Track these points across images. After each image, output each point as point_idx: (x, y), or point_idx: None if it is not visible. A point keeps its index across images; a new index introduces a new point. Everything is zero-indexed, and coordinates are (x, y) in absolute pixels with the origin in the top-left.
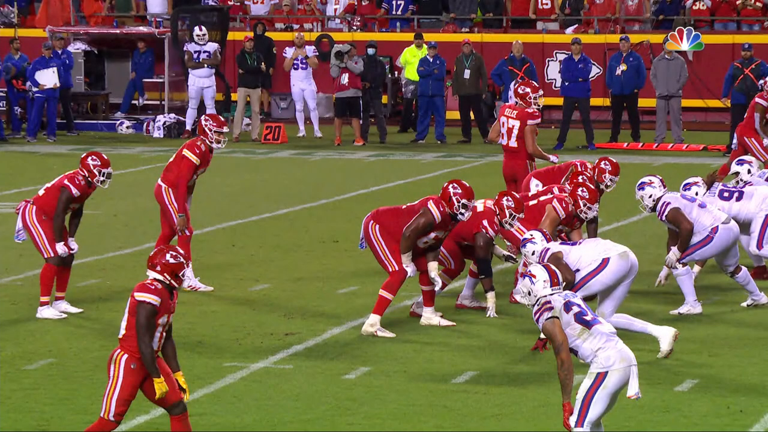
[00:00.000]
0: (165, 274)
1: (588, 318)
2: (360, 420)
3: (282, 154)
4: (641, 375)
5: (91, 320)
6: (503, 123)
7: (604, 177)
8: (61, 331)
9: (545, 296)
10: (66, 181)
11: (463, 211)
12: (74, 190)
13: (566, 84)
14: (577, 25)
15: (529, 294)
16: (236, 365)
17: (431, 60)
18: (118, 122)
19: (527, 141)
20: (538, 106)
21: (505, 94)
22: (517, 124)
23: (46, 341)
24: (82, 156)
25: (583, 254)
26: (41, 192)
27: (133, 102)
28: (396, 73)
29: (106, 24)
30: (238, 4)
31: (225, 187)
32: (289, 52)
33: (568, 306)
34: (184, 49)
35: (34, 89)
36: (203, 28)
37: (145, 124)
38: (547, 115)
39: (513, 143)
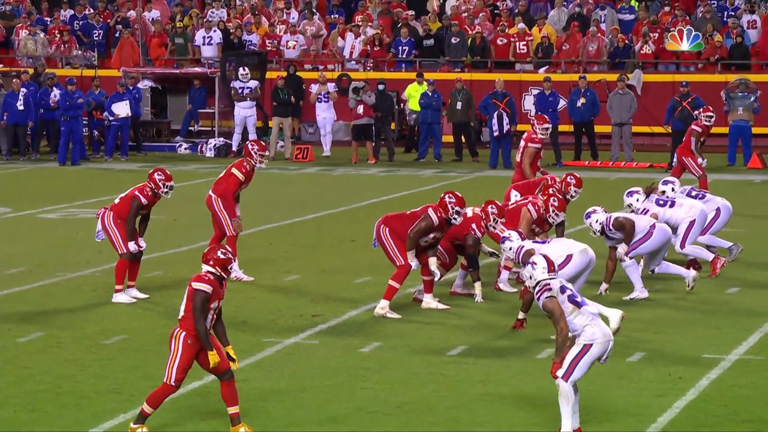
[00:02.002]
0: (216, 267)
1: (578, 300)
2: (372, 385)
3: (309, 170)
4: None
5: (155, 304)
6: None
7: (570, 189)
8: (132, 313)
9: (544, 280)
10: (136, 192)
11: (456, 216)
12: (143, 200)
13: (539, 113)
14: (547, 66)
15: (530, 278)
16: (273, 341)
17: (430, 94)
18: (178, 144)
19: (523, 158)
20: (544, 135)
21: (490, 122)
22: (522, 144)
23: (119, 321)
24: (150, 171)
25: (551, 251)
26: (116, 200)
27: (190, 128)
28: (401, 104)
29: (168, 65)
30: (274, 49)
31: (263, 197)
32: (314, 87)
33: (563, 288)
34: (231, 85)
35: (111, 118)
36: (246, 68)
37: (199, 146)
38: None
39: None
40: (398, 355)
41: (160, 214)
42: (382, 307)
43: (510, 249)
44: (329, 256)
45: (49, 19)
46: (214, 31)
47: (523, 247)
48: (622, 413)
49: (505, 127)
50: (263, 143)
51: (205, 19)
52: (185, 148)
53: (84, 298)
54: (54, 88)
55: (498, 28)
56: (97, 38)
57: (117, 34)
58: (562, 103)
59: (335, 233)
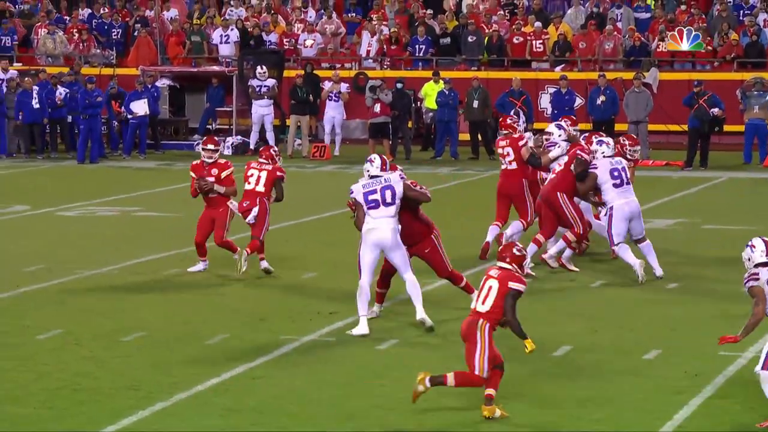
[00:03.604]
0: (513, 264)
1: None
2: (389, 383)
3: (326, 168)
4: (621, 350)
5: (173, 302)
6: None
7: (627, 149)
8: (150, 310)
9: (756, 266)
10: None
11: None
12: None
13: (555, 112)
14: (564, 65)
15: (749, 260)
16: (290, 338)
17: (447, 92)
18: (195, 143)
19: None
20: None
21: None
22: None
23: (137, 318)
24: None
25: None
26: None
27: (208, 126)
28: (418, 102)
29: (185, 64)
30: (292, 48)
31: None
32: (327, 85)
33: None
34: (249, 84)
35: (129, 116)
36: (264, 67)
37: None
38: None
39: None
40: (415, 353)
41: (179, 212)
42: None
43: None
44: (346, 254)
45: (67, 18)
46: (232, 29)
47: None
48: (639, 410)
49: (522, 126)
50: (215, 139)
51: (222, 18)
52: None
53: (102, 296)
54: (59, 87)
55: (514, 27)
56: (115, 37)
57: (135, 33)
58: (579, 101)
59: (352, 231)
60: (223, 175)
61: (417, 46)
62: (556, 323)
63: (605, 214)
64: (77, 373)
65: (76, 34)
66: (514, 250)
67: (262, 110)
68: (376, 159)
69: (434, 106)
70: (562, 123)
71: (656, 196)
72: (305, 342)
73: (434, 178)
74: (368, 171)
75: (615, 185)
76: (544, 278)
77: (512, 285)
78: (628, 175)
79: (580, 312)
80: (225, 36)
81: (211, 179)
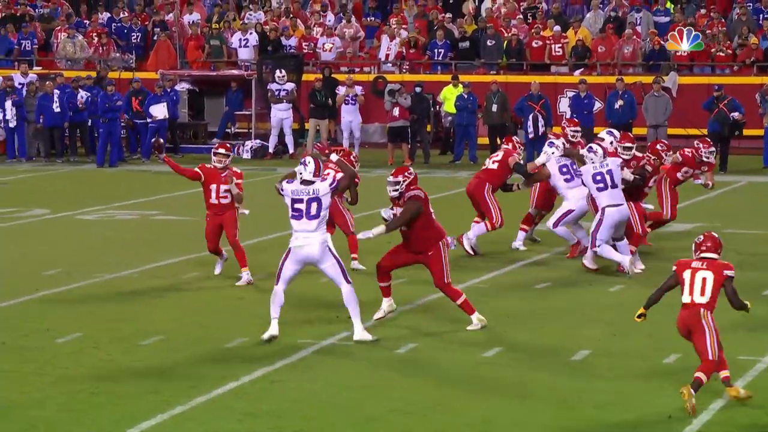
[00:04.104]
0: (717, 252)
1: None
2: (408, 386)
3: None
4: (640, 354)
5: (190, 307)
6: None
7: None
8: (168, 314)
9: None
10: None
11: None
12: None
13: (574, 115)
14: (583, 69)
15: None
16: (309, 341)
17: (466, 96)
18: (214, 146)
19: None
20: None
21: (525, 124)
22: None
23: (156, 322)
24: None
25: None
26: None
27: (227, 130)
28: (437, 106)
29: (204, 68)
30: (311, 51)
31: None
32: (341, 90)
33: None
34: (268, 88)
35: (149, 120)
36: (283, 71)
37: (236, 148)
38: None
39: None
40: (434, 356)
41: (198, 215)
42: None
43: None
44: (365, 259)
45: (87, 22)
46: (251, 33)
47: None
48: (658, 414)
49: (540, 130)
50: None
51: (241, 22)
52: None
53: (121, 300)
54: (80, 90)
55: (533, 31)
56: (135, 41)
57: (154, 37)
58: (598, 105)
59: None
60: (237, 180)
61: (436, 50)
62: (576, 327)
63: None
64: (96, 376)
65: (96, 38)
66: (714, 238)
67: (281, 114)
68: (311, 163)
69: (453, 110)
70: (613, 131)
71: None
72: (323, 346)
73: (453, 182)
74: (301, 174)
75: (599, 189)
76: (563, 281)
77: (727, 272)
78: (617, 178)
79: (600, 316)
80: (244, 40)
81: (233, 183)
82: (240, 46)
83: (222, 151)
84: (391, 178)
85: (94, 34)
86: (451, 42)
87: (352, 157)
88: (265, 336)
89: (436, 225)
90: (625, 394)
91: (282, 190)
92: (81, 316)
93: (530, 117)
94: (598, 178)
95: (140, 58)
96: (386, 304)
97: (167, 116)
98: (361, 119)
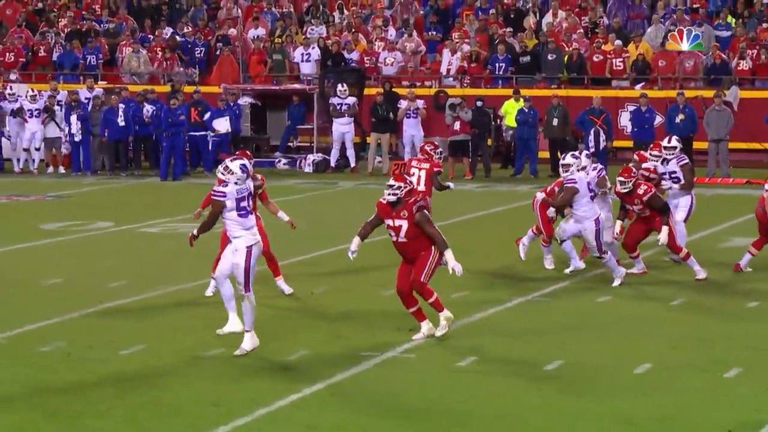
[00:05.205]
0: None
1: None
2: (469, 399)
3: None
4: (700, 368)
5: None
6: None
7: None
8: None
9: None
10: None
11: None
12: None
13: (635, 130)
14: (644, 83)
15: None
16: (370, 354)
17: (526, 110)
18: (277, 160)
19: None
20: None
21: (586, 139)
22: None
23: (219, 334)
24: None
25: None
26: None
27: (289, 144)
28: (498, 120)
29: (267, 82)
30: (373, 66)
31: (360, 212)
32: (403, 104)
33: None
34: (330, 102)
35: (211, 134)
36: (344, 85)
37: (298, 162)
38: (621, 155)
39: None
40: (495, 369)
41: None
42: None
43: None
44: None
45: (151, 37)
46: (313, 47)
47: None
48: (718, 429)
49: (602, 144)
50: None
51: (304, 36)
52: (284, 164)
53: (184, 312)
54: (146, 104)
55: (594, 45)
56: (198, 55)
57: (217, 52)
58: (659, 119)
59: None
60: (258, 191)
61: (497, 65)
62: (636, 341)
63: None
64: (159, 387)
65: (159, 53)
66: None
67: (342, 128)
68: (234, 163)
69: (514, 123)
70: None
71: (737, 214)
72: (385, 358)
73: (513, 196)
74: (231, 177)
75: (591, 198)
76: (624, 295)
77: None
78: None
79: (659, 329)
80: (306, 54)
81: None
82: (302, 61)
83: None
84: (391, 182)
85: (158, 49)
86: (512, 56)
87: (427, 147)
88: (224, 331)
89: (434, 232)
90: (685, 409)
91: (224, 195)
92: (144, 329)
93: (591, 132)
94: (590, 188)
95: (203, 73)
96: (425, 327)
97: (230, 130)
98: (423, 133)
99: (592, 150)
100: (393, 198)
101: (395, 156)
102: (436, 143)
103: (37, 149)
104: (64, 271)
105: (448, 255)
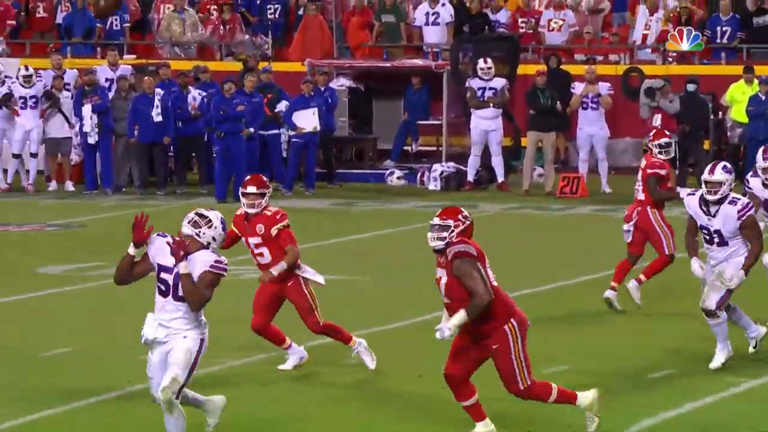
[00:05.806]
0: None
1: None
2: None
3: (581, 211)
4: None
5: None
6: None
7: None
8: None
9: None
10: None
11: None
12: None
13: None
14: None
15: None
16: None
17: (763, 98)
18: (388, 172)
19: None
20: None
21: None
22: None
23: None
24: None
25: None
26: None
27: (405, 148)
28: (720, 113)
29: (373, 56)
30: (531, 32)
31: (511, 248)
32: (579, 88)
33: None
34: (466, 85)
35: (291, 133)
36: (489, 60)
37: (419, 174)
38: None
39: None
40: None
41: (365, 274)
42: None
43: None
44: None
45: None
46: (443, 4)
47: None
48: None
49: None
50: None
51: None
52: (398, 178)
53: (253, 395)
54: (191, 89)
55: None
56: (272, 16)
57: (300, 12)
58: None
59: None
60: (274, 231)
61: (719, 29)
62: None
63: None
64: None
65: (214, 12)
66: None
67: (485, 124)
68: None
69: (744, 117)
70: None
71: None
72: None
73: None
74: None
75: None
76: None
77: None
78: None
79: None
80: (433, 14)
81: (265, 261)
82: (426, 24)
83: (252, 189)
84: (437, 221)
85: (213, 6)
86: (742, 17)
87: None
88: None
89: (500, 296)
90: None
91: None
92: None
93: None
94: None
95: (279, 43)
96: (482, 427)
97: (318, 128)
98: (608, 131)
99: None
100: (440, 245)
101: (564, 166)
102: (668, 133)
103: (34, 155)
104: (72, 337)
105: (457, 318)
